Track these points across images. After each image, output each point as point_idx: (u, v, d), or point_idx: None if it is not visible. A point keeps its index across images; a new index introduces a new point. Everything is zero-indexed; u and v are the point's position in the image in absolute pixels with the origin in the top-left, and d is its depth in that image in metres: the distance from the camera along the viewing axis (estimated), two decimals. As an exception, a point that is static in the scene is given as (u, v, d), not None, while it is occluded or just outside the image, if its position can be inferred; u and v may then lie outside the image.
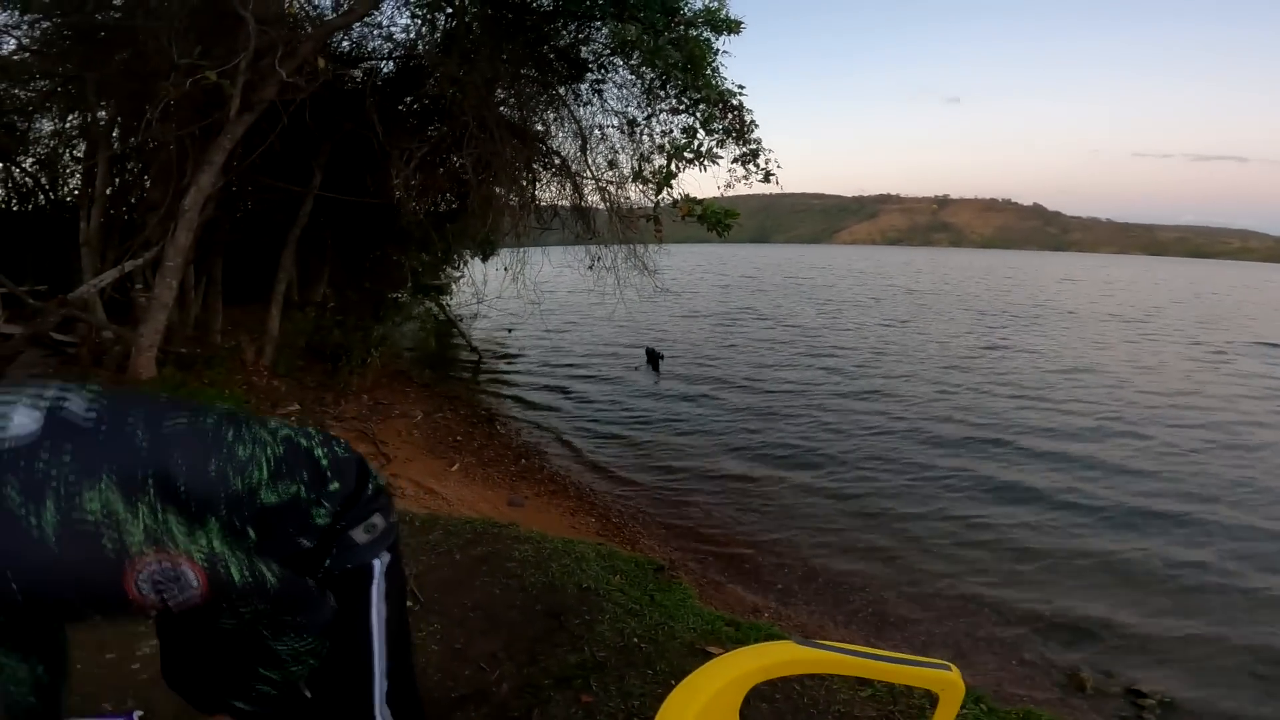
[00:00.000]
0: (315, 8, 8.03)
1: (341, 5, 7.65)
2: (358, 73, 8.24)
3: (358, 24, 7.84)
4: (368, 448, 6.14)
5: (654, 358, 13.61)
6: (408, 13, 8.34)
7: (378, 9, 7.86)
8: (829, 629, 4.32)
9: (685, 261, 55.64)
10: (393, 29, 8.61)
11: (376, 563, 1.25)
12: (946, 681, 0.86)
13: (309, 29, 7.15)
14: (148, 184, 8.20)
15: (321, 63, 6.13)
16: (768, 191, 8.08)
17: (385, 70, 8.62)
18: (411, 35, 8.46)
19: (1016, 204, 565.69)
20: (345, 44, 8.33)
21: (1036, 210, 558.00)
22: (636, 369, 13.34)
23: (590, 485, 7.10)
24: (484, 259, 11.40)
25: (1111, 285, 47.79)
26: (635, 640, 3.00)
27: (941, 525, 6.21)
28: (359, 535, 1.21)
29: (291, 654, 1.05)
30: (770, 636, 3.21)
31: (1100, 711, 3.88)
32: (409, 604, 2.81)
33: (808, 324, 20.26)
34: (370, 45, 8.51)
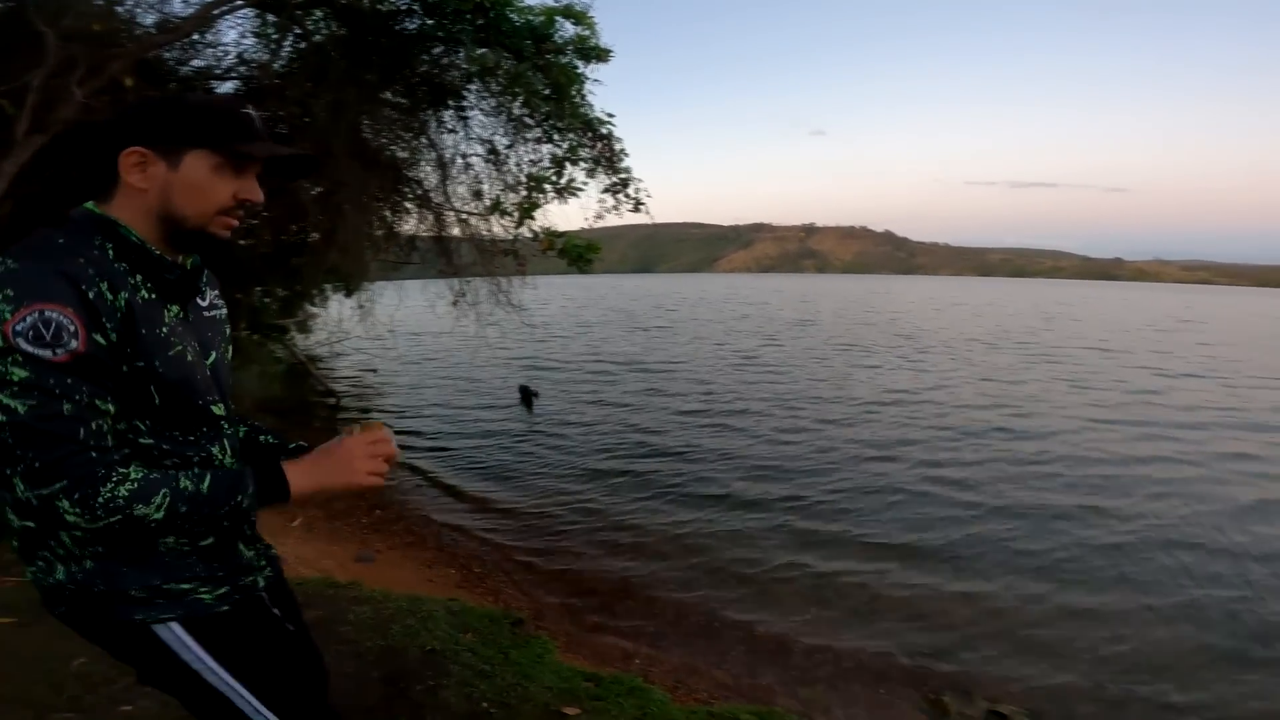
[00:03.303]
0: (137, 24, 7.28)
1: (168, 21, 6.97)
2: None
3: (189, 41, 7.16)
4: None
5: (528, 396, 13.11)
6: (244, 30, 7.71)
7: (208, 27, 7.22)
8: (701, 670, 4.17)
9: (558, 293, 54.74)
10: (238, 48, 7.91)
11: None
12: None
13: (127, 45, 6.43)
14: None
15: (129, 81, 5.49)
16: (649, 222, 7.97)
17: (220, 91, 7.91)
18: (260, 55, 7.81)
19: (872, 230, 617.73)
20: (171, 61, 7.57)
21: (888, 236, 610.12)
22: (509, 408, 12.78)
23: (452, 534, 6.61)
24: (348, 294, 10.60)
25: (973, 308, 50.01)
26: (484, 705, 2.75)
27: (809, 564, 6.11)
28: None
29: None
30: (633, 690, 3.02)
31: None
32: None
33: (696, 361, 19.14)
34: (202, 63, 7.78)
